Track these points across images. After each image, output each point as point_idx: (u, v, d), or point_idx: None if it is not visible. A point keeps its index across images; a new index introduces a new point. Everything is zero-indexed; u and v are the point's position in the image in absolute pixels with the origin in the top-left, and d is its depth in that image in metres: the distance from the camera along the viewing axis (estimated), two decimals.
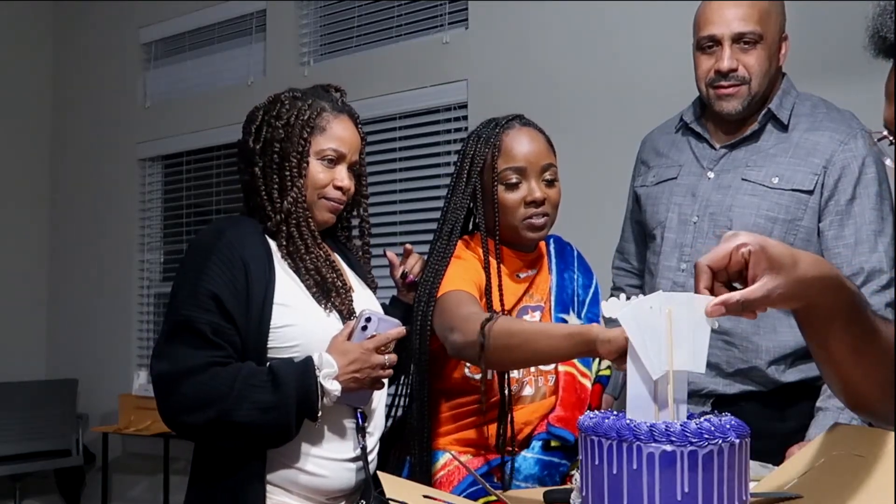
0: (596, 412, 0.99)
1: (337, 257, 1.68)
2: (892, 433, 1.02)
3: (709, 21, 1.83)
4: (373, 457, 1.60)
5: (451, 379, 1.63)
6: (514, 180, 1.61)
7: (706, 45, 1.84)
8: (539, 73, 3.20)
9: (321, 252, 1.59)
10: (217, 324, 1.45)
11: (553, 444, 1.59)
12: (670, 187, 1.94)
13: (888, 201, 1.80)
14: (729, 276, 0.94)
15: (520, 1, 3.26)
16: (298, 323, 1.52)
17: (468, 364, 1.60)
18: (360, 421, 1.56)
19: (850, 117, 1.85)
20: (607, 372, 1.73)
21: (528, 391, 1.63)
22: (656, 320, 0.94)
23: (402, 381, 1.72)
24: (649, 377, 0.94)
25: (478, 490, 1.50)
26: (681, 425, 0.88)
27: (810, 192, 1.79)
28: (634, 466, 0.88)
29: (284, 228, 1.56)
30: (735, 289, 0.93)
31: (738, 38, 1.80)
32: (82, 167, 4.84)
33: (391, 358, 1.54)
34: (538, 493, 1.42)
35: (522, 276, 1.69)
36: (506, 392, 1.57)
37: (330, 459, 1.53)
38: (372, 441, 1.60)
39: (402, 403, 1.73)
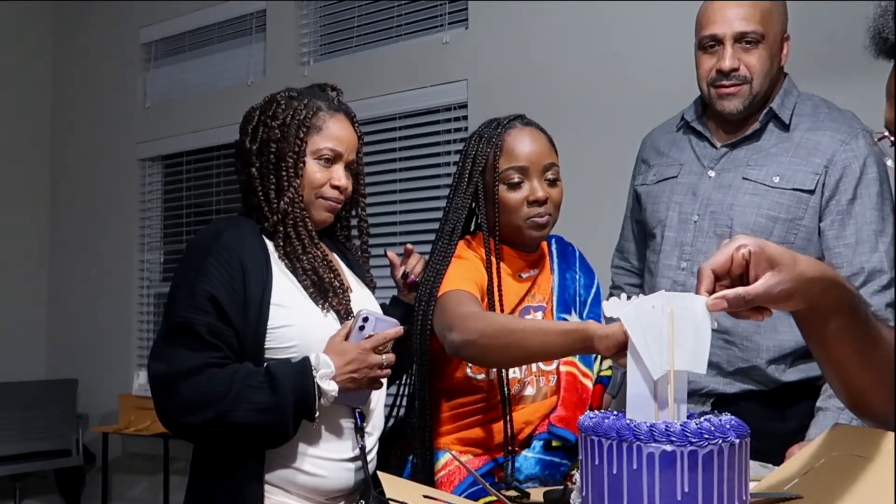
0: (596, 412, 0.99)
1: (335, 257, 1.68)
2: (892, 433, 1.02)
3: (710, 20, 1.83)
4: (372, 457, 1.60)
5: (452, 379, 1.63)
6: (516, 180, 1.61)
7: (708, 44, 1.84)
8: (539, 73, 3.20)
9: (318, 252, 1.59)
10: (214, 325, 1.45)
11: (554, 443, 1.59)
12: (671, 186, 1.94)
13: (889, 201, 1.80)
14: (731, 280, 0.94)
15: (520, 1, 3.26)
16: (296, 323, 1.52)
17: (470, 364, 1.60)
18: (358, 421, 1.56)
19: (851, 117, 1.85)
20: (609, 372, 1.73)
21: (529, 391, 1.63)
22: (658, 320, 0.94)
23: (403, 381, 1.72)
24: (650, 377, 0.94)
25: (478, 490, 1.50)
26: (681, 425, 0.88)
27: (811, 192, 1.79)
28: (634, 466, 0.88)
29: (281, 229, 1.56)
30: None
31: (739, 38, 1.80)
32: (82, 167, 4.84)
33: (389, 358, 1.54)
34: (538, 493, 1.42)
35: (524, 276, 1.69)
36: (505, 392, 1.57)
37: (328, 459, 1.53)
38: (371, 441, 1.60)
39: (403, 403, 1.73)
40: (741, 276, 0.94)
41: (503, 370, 1.58)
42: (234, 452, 1.48)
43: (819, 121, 1.84)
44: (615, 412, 0.99)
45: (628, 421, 0.91)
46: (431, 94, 3.52)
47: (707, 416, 0.94)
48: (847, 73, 2.30)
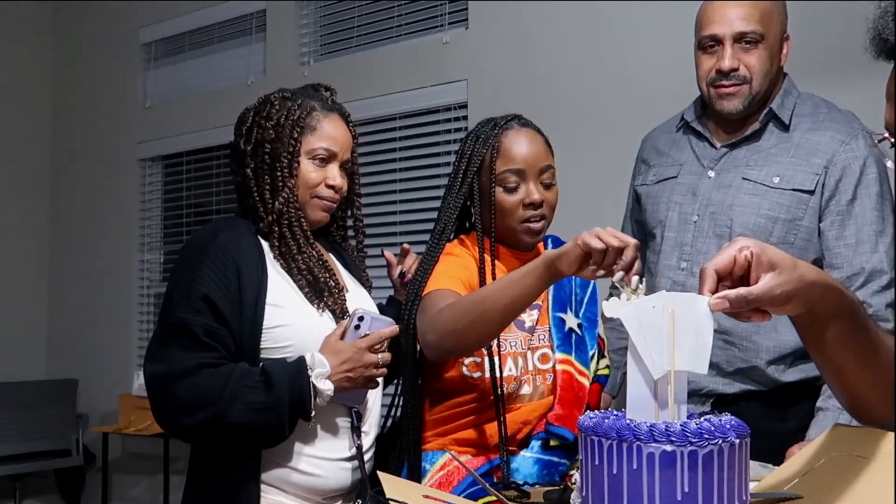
0: (596, 412, 0.99)
1: (331, 257, 1.68)
2: (892, 433, 1.02)
3: (710, 20, 1.83)
4: (369, 456, 1.59)
5: (447, 378, 1.63)
6: (512, 183, 1.61)
7: (708, 44, 1.84)
8: (539, 73, 3.20)
9: (313, 252, 1.59)
10: (210, 326, 1.45)
11: (552, 443, 1.59)
12: (671, 186, 1.94)
13: (889, 202, 1.80)
14: (733, 281, 0.94)
15: (520, 1, 3.26)
16: (291, 323, 1.52)
17: (466, 362, 1.60)
18: (354, 420, 1.56)
19: (851, 118, 1.85)
20: (606, 371, 1.73)
21: (526, 390, 1.62)
22: (658, 320, 0.94)
23: (399, 381, 1.72)
24: (650, 377, 0.94)
25: (478, 490, 1.50)
26: (681, 425, 0.88)
27: (811, 192, 1.79)
28: (634, 466, 0.88)
29: (276, 229, 1.56)
30: None
31: (739, 38, 1.80)
32: (82, 167, 4.84)
33: (384, 357, 1.54)
34: (538, 493, 1.42)
35: None
36: (499, 392, 1.57)
37: (324, 459, 1.53)
38: (367, 440, 1.60)
39: (400, 403, 1.73)
40: (742, 277, 0.94)
41: (497, 370, 1.57)
42: (230, 452, 1.48)
43: (819, 121, 1.84)
44: (615, 412, 0.99)
45: (628, 421, 0.91)
46: (431, 94, 3.52)
47: (707, 417, 0.94)
48: (847, 74, 2.30)
